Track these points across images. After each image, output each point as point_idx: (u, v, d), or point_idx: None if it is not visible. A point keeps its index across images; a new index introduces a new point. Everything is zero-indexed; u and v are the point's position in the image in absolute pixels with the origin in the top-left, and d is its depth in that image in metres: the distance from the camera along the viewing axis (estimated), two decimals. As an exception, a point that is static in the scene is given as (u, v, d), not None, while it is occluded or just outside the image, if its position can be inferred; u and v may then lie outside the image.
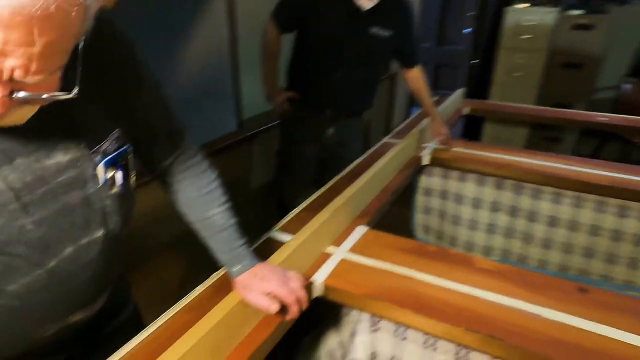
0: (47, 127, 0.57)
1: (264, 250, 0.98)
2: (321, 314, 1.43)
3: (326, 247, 1.17)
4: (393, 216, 1.39)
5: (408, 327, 0.99)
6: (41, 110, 0.51)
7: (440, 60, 4.97)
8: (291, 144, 2.00)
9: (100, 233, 0.66)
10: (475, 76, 4.06)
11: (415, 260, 1.12)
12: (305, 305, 0.88)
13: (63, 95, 0.48)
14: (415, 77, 1.92)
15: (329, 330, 1.21)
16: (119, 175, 0.66)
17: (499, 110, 2.69)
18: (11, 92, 0.44)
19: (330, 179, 1.53)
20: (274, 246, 1.06)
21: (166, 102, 0.78)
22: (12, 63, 0.41)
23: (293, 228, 1.18)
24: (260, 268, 0.88)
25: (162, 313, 0.90)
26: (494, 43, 3.59)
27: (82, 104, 0.60)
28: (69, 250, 0.63)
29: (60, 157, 0.59)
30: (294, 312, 0.87)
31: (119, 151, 0.66)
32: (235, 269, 0.87)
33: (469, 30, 4.56)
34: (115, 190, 0.66)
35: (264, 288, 0.85)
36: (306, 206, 1.34)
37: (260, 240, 1.16)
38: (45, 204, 0.59)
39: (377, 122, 3.83)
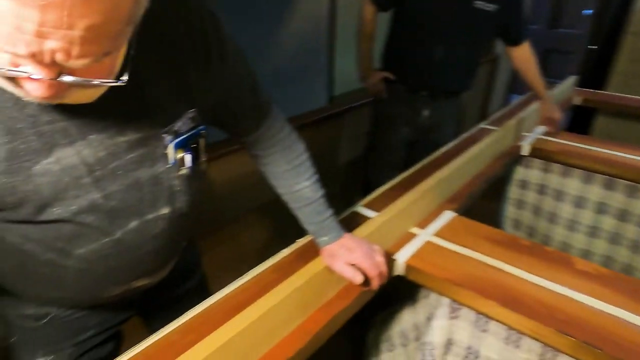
0: (120, 105, 0.57)
1: (348, 224, 0.99)
2: (398, 293, 1.43)
3: (411, 227, 1.15)
4: (478, 207, 1.32)
5: (490, 318, 0.95)
6: (113, 89, 0.49)
7: (551, 45, 4.51)
8: (383, 125, 1.95)
9: (166, 210, 0.68)
10: (592, 63, 3.64)
11: (504, 252, 1.06)
12: (385, 280, 0.90)
13: (112, 83, 0.46)
14: (524, 55, 1.77)
15: (404, 310, 1.20)
16: (188, 158, 0.66)
17: (618, 102, 2.40)
18: (58, 75, 0.42)
19: (419, 162, 1.49)
20: (358, 221, 1.07)
21: (252, 74, 0.76)
22: (52, 45, 0.38)
23: (378, 206, 1.17)
24: (347, 239, 0.89)
25: (236, 279, 0.92)
26: (619, 27, 3.17)
27: (156, 82, 0.60)
28: (134, 223, 0.65)
29: (131, 134, 0.59)
30: (375, 285, 0.89)
31: (191, 132, 0.65)
32: (323, 239, 0.89)
33: (589, 11, 4.08)
34: (184, 171, 0.67)
35: (349, 259, 0.86)
36: (392, 186, 1.33)
37: (345, 214, 1.17)
38: (115, 179, 0.60)
39: (472, 107, 3.63)
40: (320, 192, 0.89)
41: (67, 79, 0.42)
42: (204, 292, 0.98)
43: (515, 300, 0.91)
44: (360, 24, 1.81)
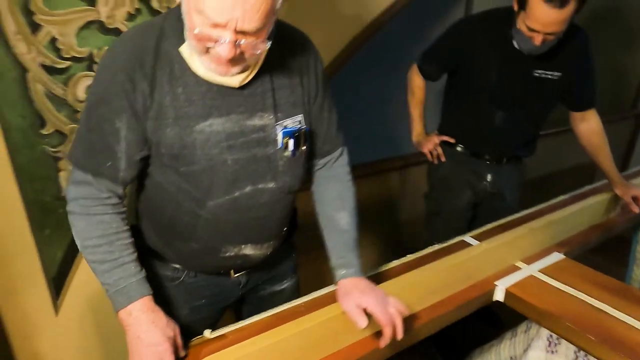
0: (255, 100, 0.81)
1: (451, 251, 1.09)
2: (496, 327, 1.45)
3: (516, 261, 1.22)
4: (589, 262, 1.29)
5: (589, 354, 0.97)
6: (253, 89, 0.80)
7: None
8: (445, 189, 1.83)
9: (271, 185, 0.87)
10: None
11: (612, 298, 1.06)
12: (400, 334, 0.85)
13: (264, 47, 0.72)
14: (592, 127, 1.59)
15: (502, 343, 1.25)
16: (291, 143, 0.86)
17: None
18: (236, 41, 0.68)
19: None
20: (462, 248, 1.17)
21: (334, 111, 0.96)
22: (237, 14, 0.65)
23: (484, 238, 1.26)
24: (363, 282, 0.91)
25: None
26: None
27: (282, 90, 0.85)
28: (248, 188, 0.85)
29: (257, 121, 0.82)
30: (387, 335, 0.84)
31: (296, 127, 0.87)
32: (341, 272, 0.92)
33: None
34: (287, 153, 0.86)
35: (360, 301, 0.86)
36: (501, 224, 1.39)
37: (451, 242, 1.29)
38: (241, 150, 0.82)
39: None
40: (354, 230, 0.95)
41: (242, 41, 0.68)
42: (296, 297, 1.09)
43: (616, 340, 0.92)
44: (410, 89, 1.78)
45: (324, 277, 1.26)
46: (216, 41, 0.68)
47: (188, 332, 0.88)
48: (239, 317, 1.09)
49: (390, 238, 2.36)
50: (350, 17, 1.59)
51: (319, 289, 1.04)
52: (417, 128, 1.83)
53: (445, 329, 1.90)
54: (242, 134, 0.82)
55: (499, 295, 1.12)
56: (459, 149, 1.75)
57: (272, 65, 0.81)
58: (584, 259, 1.36)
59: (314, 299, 0.99)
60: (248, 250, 0.94)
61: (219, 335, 0.91)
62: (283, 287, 1.12)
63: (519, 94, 1.57)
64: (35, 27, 1.02)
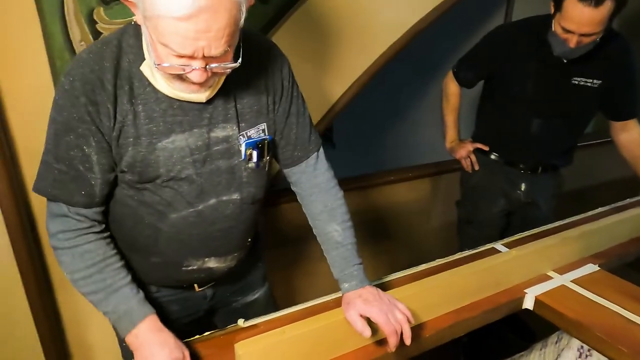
0: (217, 111, 0.80)
1: (480, 257, 1.09)
2: (525, 338, 1.42)
3: (547, 270, 1.21)
4: (627, 276, 1.25)
5: (621, 367, 0.95)
6: (215, 101, 0.78)
7: None
8: (478, 197, 1.80)
9: (236, 196, 0.87)
10: None
11: (650, 311, 1.04)
12: (408, 341, 0.84)
13: (234, 65, 0.70)
14: (634, 139, 1.56)
15: (532, 353, 1.24)
16: (254, 154, 0.85)
17: None
18: (206, 65, 0.67)
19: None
20: (491, 255, 1.18)
21: (306, 116, 0.94)
22: (202, 44, 0.64)
23: (516, 245, 1.26)
24: (367, 291, 0.88)
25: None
26: None
27: (244, 100, 0.83)
28: (213, 201, 0.84)
29: (219, 132, 0.81)
30: (391, 344, 0.83)
31: (259, 138, 0.86)
32: (344, 285, 0.91)
33: None
34: (251, 165, 0.86)
35: (363, 310, 0.84)
36: (533, 234, 1.38)
37: (481, 249, 1.29)
38: (205, 163, 0.81)
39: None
40: (349, 240, 0.93)
41: (212, 65, 0.68)
42: (270, 307, 1.13)
43: (650, 353, 0.91)
44: (445, 96, 1.77)
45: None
46: (184, 70, 0.69)
47: None
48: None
49: (422, 245, 2.36)
50: (388, 24, 1.62)
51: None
52: (450, 134, 1.82)
53: (475, 337, 1.90)
54: (205, 147, 0.81)
55: (528, 303, 1.11)
56: (493, 157, 1.73)
57: (236, 74, 0.77)
58: (622, 274, 1.33)
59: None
60: (212, 263, 0.94)
61: (252, 325, 0.97)
62: (255, 297, 1.13)
63: (556, 101, 1.54)
64: (97, 35, 1.12)
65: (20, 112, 1.14)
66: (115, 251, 0.84)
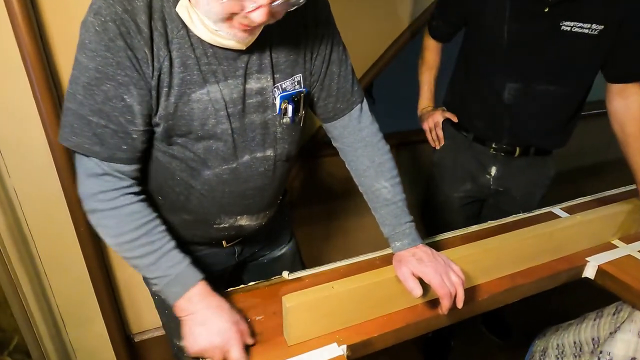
0: (251, 61, 0.73)
1: (537, 222, 1.02)
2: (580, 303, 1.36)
3: (612, 238, 1.12)
4: None
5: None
6: (251, 46, 0.70)
7: None
8: (441, 177, 1.51)
9: (270, 152, 0.81)
10: None
11: None
12: (460, 304, 0.81)
13: (299, 2, 0.63)
14: (630, 107, 1.15)
15: (584, 323, 1.18)
16: (289, 108, 0.79)
17: None
18: (271, 2, 0.59)
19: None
20: (550, 219, 1.10)
21: (348, 65, 0.86)
22: None
23: (577, 211, 1.17)
24: (421, 250, 0.84)
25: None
26: None
27: (280, 50, 0.75)
28: (246, 157, 0.79)
29: (253, 84, 0.75)
30: (444, 307, 0.80)
31: (295, 91, 0.79)
32: (396, 244, 0.87)
33: None
34: (285, 120, 0.80)
35: (416, 269, 0.81)
36: (597, 198, 1.28)
37: (538, 212, 1.21)
38: (239, 117, 0.75)
39: None
40: (399, 196, 0.88)
41: (275, 3, 0.60)
42: (297, 262, 1.11)
43: None
44: (421, 54, 1.47)
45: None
46: (244, 8, 0.61)
47: None
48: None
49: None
50: None
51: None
52: (423, 99, 1.48)
53: (441, 333, 1.82)
54: (240, 100, 0.74)
55: (589, 272, 1.04)
56: (461, 131, 1.40)
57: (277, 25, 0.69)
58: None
59: (390, 254, 0.99)
60: (243, 221, 0.90)
61: (297, 278, 0.95)
62: (282, 252, 1.10)
63: (539, 58, 1.16)
64: None
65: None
66: (157, 214, 0.78)
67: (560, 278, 1.02)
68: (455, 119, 1.40)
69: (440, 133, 1.43)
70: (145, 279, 0.98)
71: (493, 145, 1.34)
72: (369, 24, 1.54)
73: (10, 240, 1.23)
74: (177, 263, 0.76)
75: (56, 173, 1.18)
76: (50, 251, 1.31)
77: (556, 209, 1.22)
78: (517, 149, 1.33)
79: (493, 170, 1.38)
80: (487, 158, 1.37)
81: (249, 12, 0.61)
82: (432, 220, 1.57)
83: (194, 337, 0.74)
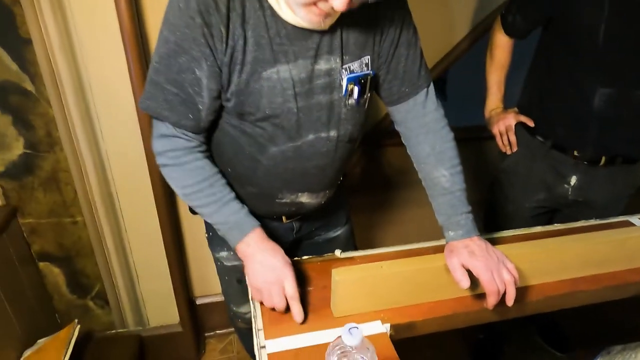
0: (322, 41, 0.76)
1: (611, 227, 0.96)
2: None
3: (696, 255, 1.02)
4: None
5: None
6: (323, 32, 0.73)
7: None
8: (510, 186, 1.39)
9: (333, 133, 0.84)
10: None
11: None
12: (510, 303, 0.79)
13: None
14: None
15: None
16: (356, 90, 0.80)
17: None
18: None
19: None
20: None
21: (417, 48, 0.86)
22: None
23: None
24: (475, 243, 0.83)
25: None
26: None
27: (350, 31, 0.77)
28: (311, 136, 0.82)
29: (322, 64, 0.77)
30: (490, 302, 0.79)
31: (362, 73, 0.80)
32: (450, 233, 0.86)
33: None
34: (351, 101, 0.81)
35: (467, 262, 0.80)
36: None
37: (614, 220, 1.13)
38: (306, 97, 0.78)
39: None
40: (458, 186, 0.87)
41: None
42: (350, 245, 1.15)
43: None
44: (490, 51, 1.35)
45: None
46: None
47: (243, 274, 0.89)
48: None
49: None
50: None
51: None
52: (492, 100, 1.38)
53: (493, 336, 1.72)
54: (308, 80, 0.78)
55: (665, 287, 0.96)
56: (534, 137, 1.29)
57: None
58: None
59: (444, 245, 0.99)
60: (304, 198, 0.94)
61: (349, 257, 0.98)
62: (337, 233, 1.14)
63: (638, 61, 1.07)
64: None
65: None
66: (218, 169, 0.86)
67: (628, 290, 0.95)
68: (531, 123, 1.29)
69: (513, 138, 1.33)
70: (210, 245, 1.08)
71: (575, 154, 1.23)
72: (442, 14, 1.51)
73: (100, 198, 1.39)
74: (236, 212, 0.84)
75: (141, 138, 1.30)
76: (132, 210, 1.45)
77: (634, 219, 1.13)
78: (603, 158, 1.22)
79: (573, 180, 1.27)
80: (567, 167, 1.26)
81: None
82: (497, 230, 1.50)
83: (253, 273, 0.82)
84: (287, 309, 0.81)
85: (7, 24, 1.12)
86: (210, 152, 0.89)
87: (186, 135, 0.80)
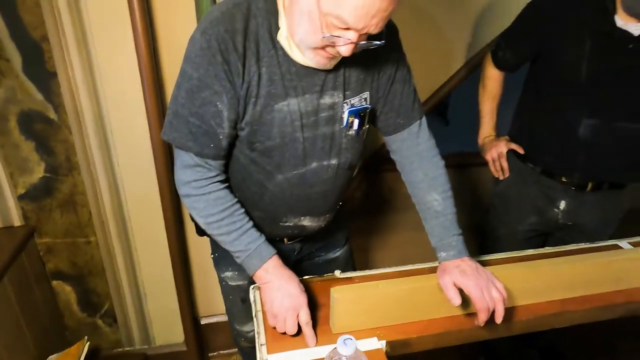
0: (327, 79, 0.83)
1: (595, 251, 1.01)
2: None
3: (682, 278, 1.06)
4: None
5: None
6: (327, 70, 0.82)
7: None
8: (503, 210, 1.46)
9: (334, 161, 0.91)
10: None
11: None
12: (499, 320, 0.84)
13: (378, 44, 0.74)
14: None
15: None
16: (356, 122, 0.88)
17: None
18: (358, 41, 0.71)
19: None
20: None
21: (411, 84, 0.94)
22: (375, 21, 0.69)
23: (647, 246, 1.12)
24: (466, 263, 0.88)
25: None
26: None
27: (352, 70, 0.85)
28: (314, 164, 0.89)
29: (327, 99, 0.85)
30: (480, 319, 0.84)
31: (361, 107, 0.88)
32: (442, 254, 0.91)
33: None
34: (351, 132, 0.89)
35: (458, 280, 0.85)
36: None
37: (602, 244, 1.18)
38: (311, 128, 0.85)
39: None
40: (449, 209, 0.93)
41: (361, 42, 0.73)
42: (349, 266, 1.20)
43: None
44: (482, 82, 1.43)
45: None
46: (335, 43, 0.72)
47: (247, 294, 0.95)
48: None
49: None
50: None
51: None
52: (484, 128, 1.45)
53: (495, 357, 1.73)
54: (314, 113, 0.85)
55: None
56: (528, 163, 1.36)
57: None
58: None
59: (436, 266, 1.04)
60: (306, 221, 1.00)
61: (347, 277, 1.03)
62: (336, 255, 1.19)
63: (620, 95, 1.14)
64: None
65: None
66: (237, 199, 0.92)
67: (616, 310, 0.99)
68: (521, 151, 1.36)
69: (505, 164, 1.41)
70: (216, 265, 1.14)
71: (563, 179, 1.30)
72: (436, 47, 1.60)
73: (113, 219, 1.46)
74: (255, 239, 0.90)
75: (154, 165, 1.38)
76: (142, 232, 1.52)
77: (623, 243, 1.18)
78: (590, 183, 1.28)
79: (562, 204, 1.34)
80: (556, 192, 1.33)
81: (338, 45, 0.73)
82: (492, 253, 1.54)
83: (271, 300, 0.86)
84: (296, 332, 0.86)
85: (36, 58, 1.22)
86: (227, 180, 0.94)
87: (208, 164, 0.86)
